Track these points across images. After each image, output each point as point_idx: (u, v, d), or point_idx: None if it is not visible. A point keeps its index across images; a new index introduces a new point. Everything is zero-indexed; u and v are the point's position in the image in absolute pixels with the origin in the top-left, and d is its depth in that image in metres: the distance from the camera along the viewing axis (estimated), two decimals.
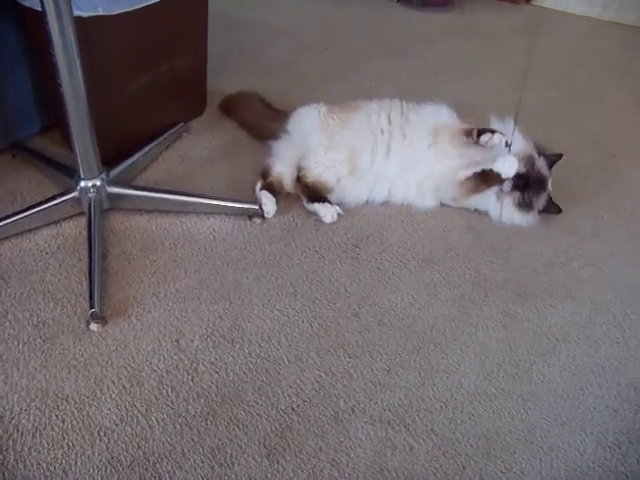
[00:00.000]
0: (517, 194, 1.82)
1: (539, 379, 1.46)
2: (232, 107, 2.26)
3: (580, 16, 3.19)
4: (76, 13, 1.53)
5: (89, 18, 1.70)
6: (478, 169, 1.81)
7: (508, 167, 1.77)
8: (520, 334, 1.56)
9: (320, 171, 1.84)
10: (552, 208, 1.87)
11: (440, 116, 1.92)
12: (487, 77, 2.60)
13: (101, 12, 1.73)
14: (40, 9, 1.47)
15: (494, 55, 2.79)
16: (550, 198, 1.87)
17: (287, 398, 1.38)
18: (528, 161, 1.82)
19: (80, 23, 1.54)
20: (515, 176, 1.79)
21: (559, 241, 1.84)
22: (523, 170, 1.80)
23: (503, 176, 1.78)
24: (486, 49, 2.84)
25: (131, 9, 1.78)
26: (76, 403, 1.34)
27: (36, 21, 1.56)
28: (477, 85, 2.51)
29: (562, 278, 1.72)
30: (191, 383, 1.39)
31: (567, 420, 1.37)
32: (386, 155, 1.88)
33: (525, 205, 1.84)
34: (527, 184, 1.81)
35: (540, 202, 1.85)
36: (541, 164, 1.85)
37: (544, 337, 1.56)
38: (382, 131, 1.89)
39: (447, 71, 2.63)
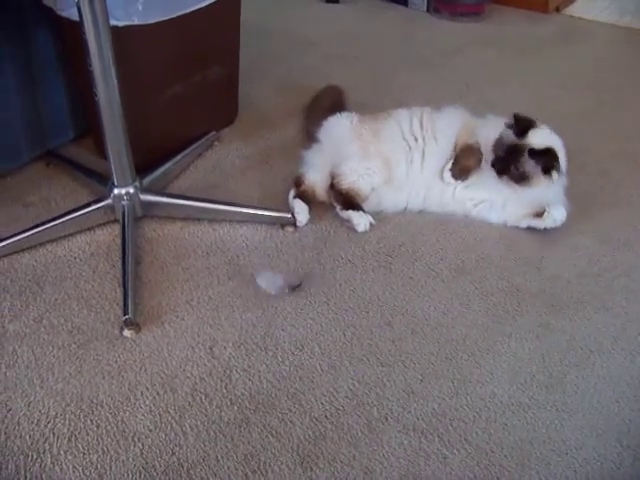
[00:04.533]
0: (508, 177, 1.76)
1: (573, 390, 1.44)
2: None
3: (609, 24, 3.17)
4: (112, 23, 1.56)
5: (125, 27, 1.72)
6: (523, 224, 1.86)
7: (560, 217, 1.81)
8: (553, 344, 1.54)
9: (354, 178, 1.83)
10: (543, 159, 1.74)
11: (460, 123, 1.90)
12: (517, 87, 2.58)
13: (137, 22, 1.75)
14: (77, 19, 1.50)
15: (524, 65, 2.78)
16: (532, 150, 1.74)
17: (320, 406, 1.38)
18: (498, 145, 1.78)
19: (116, 32, 1.56)
20: (493, 165, 1.77)
21: (592, 251, 1.82)
22: (498, 154, 1.77)
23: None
24: (516, 59, 2.82)
25: (166, 18, 1.80)
26: (110, 408, 1.36)
27: (73, 31, 1.59)
28: (507, 96, 2.50)
29: (595, 289, 1.70)
30: (224, 390, 1.40)
31: (602, 432, 1.35)
32: (421, 162, 1.86)
33: (524, 177, 1.75)
34: (506, 162, 1.75)
35: (528, 165, 1.73)
36: (507, 136, 1.77)
37: (578, 348, 1.54)
38: (416, 139, 1.88)
39: (477, 81, 2.61)
